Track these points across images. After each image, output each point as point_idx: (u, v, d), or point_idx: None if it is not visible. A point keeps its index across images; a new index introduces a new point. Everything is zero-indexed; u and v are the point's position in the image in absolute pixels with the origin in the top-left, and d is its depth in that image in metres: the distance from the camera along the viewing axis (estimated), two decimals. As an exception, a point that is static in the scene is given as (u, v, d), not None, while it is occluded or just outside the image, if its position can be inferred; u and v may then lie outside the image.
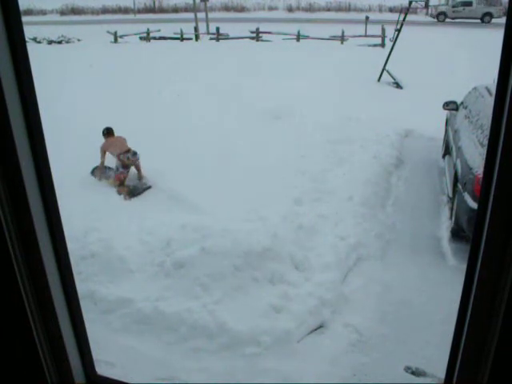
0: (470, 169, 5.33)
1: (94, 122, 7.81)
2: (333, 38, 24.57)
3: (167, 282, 4.53)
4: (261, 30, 26.32)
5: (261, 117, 10.00)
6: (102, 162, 7.11)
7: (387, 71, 14.69)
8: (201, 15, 29.78)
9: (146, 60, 17.94)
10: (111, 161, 7.07)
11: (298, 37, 25.32)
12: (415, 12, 32.14)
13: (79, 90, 11.17)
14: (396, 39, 14.77)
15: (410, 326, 4.28)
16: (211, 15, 33.12)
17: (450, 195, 6.28)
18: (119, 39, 26.85)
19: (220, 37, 26.50)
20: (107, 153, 7.09)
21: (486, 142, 5.16)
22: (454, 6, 34.00)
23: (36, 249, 1.31)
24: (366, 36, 24.51)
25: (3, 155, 1.20)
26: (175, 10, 45.79)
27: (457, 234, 5.72)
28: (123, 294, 4.40)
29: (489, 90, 6.68)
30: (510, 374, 1.18)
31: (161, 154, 7.43)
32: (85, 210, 5.73)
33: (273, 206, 5.95)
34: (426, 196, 7.14)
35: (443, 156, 7.97)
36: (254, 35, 26.24)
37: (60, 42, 26.31)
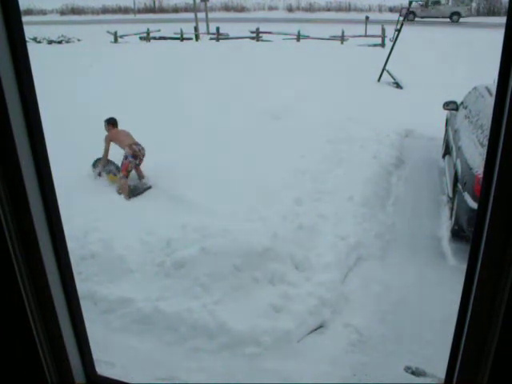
0: (470, 169, 5.33)
1: (93, 122, 7.81)
2: (333, 38, 24.58)
3: (167, 282, 4.53)
4: (261, 29, 26.34)
5: (261, 117, 10.00)
6: (106, 153, 7.04)
7: (387, 71, 14.70)
8: (201, 15, 29.80)
9: (145, 60, 17.94)
10: (112, 156, 7.06)
11: (298, 37, 25.33)
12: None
13: (79, 90, 11.18)
14: (396, 39, 14.78)
15: (410, 326, 4.28)
16: (211, 15, 33.13)
17: (450, 195, 6.28)
18: (119, 39, 26.86)
19: (220, 37, 26.51)
20: (111, 144, 7.05)
21: (486, 141, 5.16)
22: (422, 6, 34.55)
23: (36, 248, 1.31)
24: (366, 36, 24.52)
25: (3, 154, 1.20)
26: (175, 9, 45.82)
27: (457, 234, 5.72)
28: (123, 293, 4.40)
29: (489, 90, 6.68)
30: (510, 374, 1.18)
31: (160, 153, 7.43)
32: (85, 210, 5.72)
33: (273, 206, 5.95)
34: (426, 196, 7.14)
35: (443, 156, 7.97)
36: (254, 35, 26.25)
37: (60, 42, 26.32)
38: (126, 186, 6.70)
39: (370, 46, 22.43)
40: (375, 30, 23.51)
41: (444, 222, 6.30)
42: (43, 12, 44.50)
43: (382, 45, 21.94)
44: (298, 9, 43.52)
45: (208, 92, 11.95)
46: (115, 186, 6.84)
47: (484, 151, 5.14)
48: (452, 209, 6.05)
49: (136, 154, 6.85)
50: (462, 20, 32.98)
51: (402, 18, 14.91)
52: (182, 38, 26.96)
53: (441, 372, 1.66)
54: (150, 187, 6.84)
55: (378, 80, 14.94)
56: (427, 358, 3.77)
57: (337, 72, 14.70)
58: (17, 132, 1.20)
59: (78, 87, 11.54)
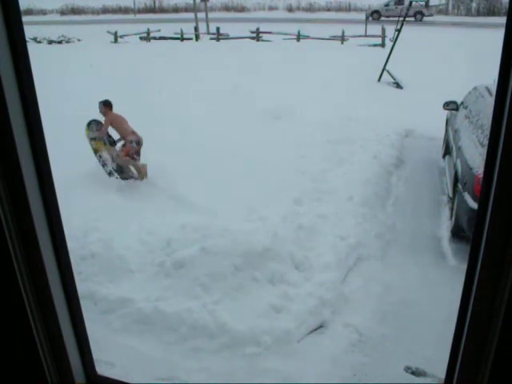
0: (470, 169, 5.33)
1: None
2: (333, 38, 24.57)
3: (167, 282, 4.52)
4: (261, 29, 26.33)
5: (261, 117, 10.01)
6: (106, 126, 7.20)
7: (387, 71, 14.70)
8: (201, 15, 29.78)
9: (146, 60, 17.94)
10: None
11: (299, 37, 25.32)
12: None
13: (79, 90, 11.17)
14: (396, 39, 14.78)
15: (410, 326, 4.28)
16: (211, 15, 33.12)
17: (450, 195, 6.28)
18: (119, 39, 26.85)
19: (220, 37, 26.51)
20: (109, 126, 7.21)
21: (486, 141, 5.16)
22: (386, 5, 35.44)
23: (36, 248, 1.31)
24: (366, 36, 24.50)
25: (3, 154, 1.20)
26: (175, 9, 45.78)
27: (457, 234, 5.72)
28: (123, 293, 4.40)
29: (489, 90, 6.68)
30: (510, 374, 1.18)
31: (160, 153, 7.43)
32: (85, 210, 5.72)
33: (273, 205, 5.95)
34: (426, 196, 7.14)
35: (443, 156, 7.97)
36: (255, 35, 26.25)
37: (60, 42, 26.33)
38: (133, 163, 6.96)
39: (370, 45, 22.42)
40: (375, 30, 23.50)
41: (444, 222, 6.29)
42: (43, 12, 44.47)
43: (382, 45, 21.93)
44: (298, 9, 43.50)
45: (208, 92, 11.95)
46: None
47: (484, 151, 5.14)
48: (452, 209, 6.04)
49: (139, 141, 7.00)
50: (461, 20, 33.03)
51: (402, 18, 14.90)
52: (182, 38, 26.96)
53: (441, 372, 1.66)
54: (134, 178, 6.95)
55: (379, 80, 14.94)
56: (427, 358, 3.76)
57: (337, 72, 14.69)
58: (17, 131, 1.20)
59: (77, 87, 11.53)
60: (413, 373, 3.65)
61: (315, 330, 4.19)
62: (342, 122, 9.74)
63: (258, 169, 7.04)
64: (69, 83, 12.06)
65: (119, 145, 7.31)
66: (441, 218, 6.40)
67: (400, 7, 33.76)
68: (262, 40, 26.10)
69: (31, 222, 1.28)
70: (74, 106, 9.74)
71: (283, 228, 5.32)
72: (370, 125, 9.56)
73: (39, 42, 25.69)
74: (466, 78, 9.97)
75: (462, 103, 7.66)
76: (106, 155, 7.13)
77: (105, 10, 45.25)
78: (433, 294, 4.67)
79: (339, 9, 42.11)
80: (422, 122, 9.75)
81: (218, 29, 26.46)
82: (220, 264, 4.50)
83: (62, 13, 45.28)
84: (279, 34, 25.86)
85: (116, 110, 7.43)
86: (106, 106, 7.25)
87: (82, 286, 4.01)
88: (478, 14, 35.94)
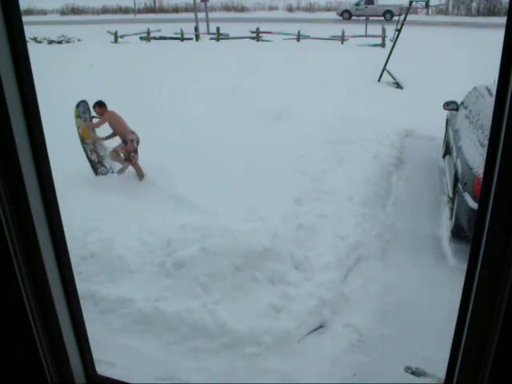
0: (471, 169, 5.33)
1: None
2: (333, 38, 24.56)
3: (167, 282, 4.52)
4: (261, 29, 26.32)
5: (261, 117, 10.00)
6: (102, 122, 7.17)
7: (387, 71, 14.70)
8: (201, 15, 29.78)
9: (146, 60, 17.94)
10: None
11: (299, 37, 25.32)
12: (415, 12, 32.25)
13: (79, 89, 11.15)
14: (396, 39, 14.78)
15: (410, 325, 4.28)
16: (211, 15, 33.12)
17: (451, 195, 6.28)
18: (119, 39, 26.85)
19: (220, 37, 26.50)
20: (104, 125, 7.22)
21: (486, 142, 5.16)
22: (356, 5, 36.10)
23: (36, 248, 1.31)
24: (366, 36, 24.50)
25: (3, 154, 1.20)
26: (175, 9, 45.77)
27: (457, 234, 5.72)
28: (123, 293, 4.40)
29: (489, 90, 6.68)
30: (510, 374, 1.18)
31: (160, 153, 7.44)
32: (85, 210, 5.72)
33: (273, 205, 5.95)
34: (426, 196, 7.14)
35: (443, 156, 7.97)
36: (255, 35, 26.25)
37: (60, 42, 26.33)
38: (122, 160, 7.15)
39: (370, 46, 22.41)
40: (375, 30, 23.50)
41: (444, 222, 6.29)
42: (43, 12, 44.46)
43: (383, 45, 21.93)
44: (298, 9, 43.48)
45: (208, 92, 11.95)
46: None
47: (484, 151, 5.14)
48: (452, 209, 6.04)
49: (138, 140, 7.05)
50: (461, 20, 33.07)
51: (402, 18, 14.89)
52: (182, 38, 26.95)
53: (441, 372, 1.66)
54: (112, 172, 7.05)
55: (379, 80, 14.94)
56: (427, 358, 3.76)
57: (337, 72, 14.68)
58: (17, 131, 1.20)
59: (77, 87, 11.52)
60: (413, 373, 3.66)
61: (315, 329, 4.19)
62: (342, 122, 9.74)
63: (258, 169, 7.04)
64: (69, 83, 12.06)
65: (117, 144, 7.29)
66: (441, 218, 6.40)
67: (370, 7, 35.00)
68: (262, 40, 26.09)
69: (31, 222, 1.28)
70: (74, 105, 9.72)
71: (283, 228, 5.32)
72: (370, 125, 9.56)
73: (39, 41, 25.69)
74: (466, 78, 9.97)
75: (462, 103, 7.66)
76: (91, 145, 7.12)
77: (105, 10, 45.24)
78: (433, 294, 4.67)
79: (339, 9, 42.09)
80: (422, 122, 9.75)
81: (218, 29, 26.46)
82: (220, 264, 4.50)
83: (62, 13, 45.27)
84: (279, 33, 25.86)
85: (116, 109, 7.43)
86: (102, 106, 7.23)
87: (82, 286, 4.01)
88: (478, 14, 35.94)
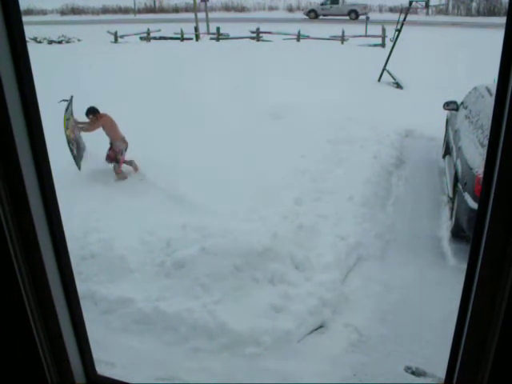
0: (471, 169, 5.33)
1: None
2: (333, 38, 24.56)
3: (167, 282, 4.53)
4: (261, 29, 26.33)
5: (261, 116, 10.00)
6: (96, 126, 7.09)
7: (387, 71, 14.69)
8: (201, 15, 29.79)
9: (145, 60, 17.94)
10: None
11: (299, 37, 25.32)
12: (415, 12, 32.24)
13: (79, 89, 11.15)
14: (396, 39, 14.77)
15: (410, 325, 4.28)
16: (211, 15, 33.12)
17: (451, 195, 6.28)
18: (119, 39, 26.85)
19: (220, 37, 26.50)
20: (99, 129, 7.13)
21: (486, 141, 5.16)
22: (322, 4, 36.61)
23: (36, 248, 1.31)
24: (366, 36, 24.49)
25: (3, 154, 1.20)
26: (175, 9, 45.75)
27: (457, 234, 5.72)
28: (123, 293, 4.40)
29: (489, 90, 6.68)
30: (510, 374, 1.18)
31: (160, 153, 7.44)
32: (85, 210, 5.73)
33: (273, 205, 5.95)
34: (426, 196, 7.14)
35: (443, 156, 7.97)
36: (255, 35, 26.25)
37: (60, 42, 26.32)
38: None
39: (370, 46, 22.41)
40: (375, 30, 23.49)
41: (444, 222, 6.29)
42: (43, 12, 44.44)
43: (383, 45, 21.92)
44: (298, 9, 43.45)
45: (208, 92, 11.94)
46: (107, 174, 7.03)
47: (484, 151, 5.14)
48: (452, 209, 6.04)
49: (126, 147, 7.05)
50: (461, 20, 33.10)
51: (402, 19, 14.89)
52: (182, 38, 26.95)
53: (441, 372, 1.66)
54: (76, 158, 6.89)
55: (379, 80, 14.93)
56: (427, 357, 3.77)
57: (337, 72, 14.69)
58: (17, 131, 1.20)
59: (77, 87, 11.52)
60: (413, 373, 3.66)
61: (315, 329, 4.19)
62: (342, 122, 9.74)
63: (258, 168, 7.04)
64: (69, 83, 12.05)
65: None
66: (441, 218, 6.40)
67: (335, 6, 35.64)
68: (262, 40, 26.09)
69: (31, 222, 1.28)
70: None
71: (283, 228, 5.33)
72: (370, 125, 9.56)
73: (39, 42, 25.68)
74: (466, 77, 9.98)
75: (462, 103, 7.66)
76: (75, 143, 7.03)
77: (105, 10, 45.22)
78: (433, 294, 4.67)
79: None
80: (422, 122, 9.75)
81: (218, 29, 26.46)
82: (220, 264, 4.50)
83: (62, 13, 45.25)
84: (279, 33, 25.86)
85: (116, 109, 7.43)
86: (95, 113, 7.14)
87: (82, 286, 4.02)
88: (478, 14, 35.94)
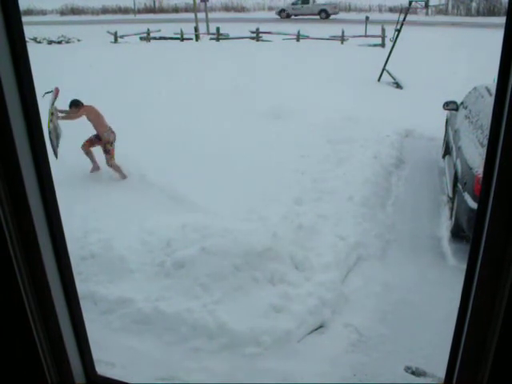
0: (470, 169, 5.33)
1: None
2: (333, 38, 24.57)
3: (167, 282, 4.53)
4: (261, 30, 26.33)
5: (261, 116, 10.01)
6: (78, 115, 7.02)
7: (387, 71, 14.70)
8: (201, 15, 29.79)
9: (146, 60, 17.94)
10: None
11: (298, 37, 25.33)
12: (415, 12, 32.24)
13: (78, 89, 11.16)
14: (396, 39, 14.78)
15: (410, 325, 4.28)
16: (211, 15, 33.13)
17: (450, 195, 6.28)
18: (119, 39, 26.86)
19: (220, 37, 26.51)
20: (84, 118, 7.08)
21: (485, 141, 5.16)
22: (293, 4, 37.33)
23: (36, 248, 1.31)
24: (366, 36, 24.50)
25: (3, 155, 1.20)
26: (175, 10, 45.76)
27: (457, 233, 5.72)
28: (123, 294, 4.40)
29: (489, 90, 6.68)
30: (510, 374, 1.18)
31: (160, 153, 7.44)
32: (85, 210, 5.72)
33: (273, 205, 5.95)
34: (426, 196, 7.14)
35: (443, 156, 7.97)
36: (254, 35, 26.26)
37: (60, 42, 26.33)
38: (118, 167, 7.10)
39: (370, 46, 22.42)
40: (375, 30, 23.49)
41: (444, 221, 6.29)
42: (43, 12, 44.44)
43: (382, 45, 21.93)
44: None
45: (208, 92, 11.95)
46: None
47: (484, 151, 5.14)
48: (452, 209, 6.04)
49: (114, 138, 7.10)
50: (461, 20, 33.11)
51: (401, 18, 14.89)
52: (182, 38, 26.96)
53: (441, 372, 1.66)
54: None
55: (378, 80, 14.94)
56: (427, 357, 3.76)
57: (337, 72, 14.70)
58: (17, 132, 1.20)
59: (77, 87, 11.52)
60: (413, 373, 3.66)
61: (315, 329, 4.19)
62: (341, 122, 9.74)
63: (258, 168, 7.05)
64: (69, 83, 12.05)
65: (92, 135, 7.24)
66: (440, 218, 6.40)
67: (305, 6, 36.33)
68: (262, 40, 26.10)
69: (31, 223, 1.28)
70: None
71: (283, 228, 5.32)
72: (370, 125, 9.56)
73: (39, 42, 25.69)
74: (466, 77, 9.98)
75: (462, 103, 7.66)
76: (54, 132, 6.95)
77: (105, 10, 45.23)
78: (432, 294, 4.67)
79: (339, 9, 42.09)
80: (422, 122, 9.75)
81: (218, 29, 26.47)
82: (220, 264, 4.50)
83: (62, 13, 45.26)
84: (279, 34, 25.88)
85: (115, 109, 7.43)
86: (78, 105, 7.06)
87: (82, 287, 4.02)
88: (478, 14, 35.95)
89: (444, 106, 7.95)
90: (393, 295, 4.71)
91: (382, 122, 9.73)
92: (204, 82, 13.02)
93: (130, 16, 42.55)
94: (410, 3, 15.65)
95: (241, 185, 6.46)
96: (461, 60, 14.93)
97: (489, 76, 4.75)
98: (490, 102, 6.14)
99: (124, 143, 7.35)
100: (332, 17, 36.31)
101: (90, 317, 2.47)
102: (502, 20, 1.11)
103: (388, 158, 8.14)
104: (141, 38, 27.47)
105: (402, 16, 15.01)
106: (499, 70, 1.04)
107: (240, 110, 10.32)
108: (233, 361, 3.78)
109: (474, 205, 5.00)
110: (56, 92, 6.88)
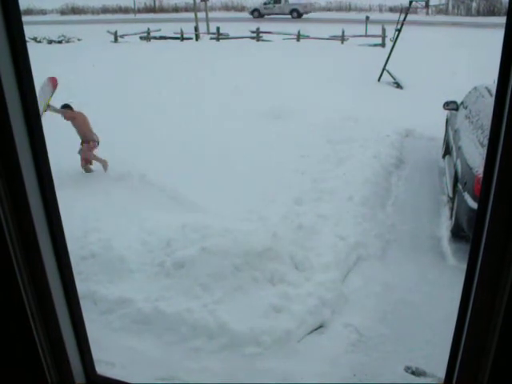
0: (470, 169, 5.33)
1: (94, 121, 7.80)
2: (333, 37, 24.56)
3: (167, 282, 4.52)
4: (261, 29, 26.32)
5: (261, 116, 10.01)
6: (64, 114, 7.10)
7: (387, 71, 14.69)
8: (201, 15, 29.79)
9: (145, 60, 17.94)
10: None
11: (299, 37, 25.33)
12: (415, 12, 32.24)
13: (78, 89, 11.16)
14: (396, 39, 14.77)
15: (409, 325, 4.28)
16: (211, 15, 33.13)
17: (450, 195, 6.28)
18: (119, 39, 26.86)
19: (220, 36, 26.51)
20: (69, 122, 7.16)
21: (486, 141, 5.16)
22: (265, 4, 37.66)
23: (36, 248, 1.31)
24: (366, 36, 24.49)
25: (3, 154, 1.20)
26: (175, 9, 45.77)
27: (457, 233, 5.72)
28: (123, 293, 4.40)
29: (489, 90, 6.68)
30: (510, 373, 1.18)
31: (160, 153, 7.44)
32: (85, 210, 5.72)
33: (273, 205, 5.95)
34: (426, 196, 7.14)
35: (443, 156, 7.97)
36: (255, 35, 26.26)
37: (60, 42, 26.35)
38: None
39: (370, 45, 22.41)
40: (375, 29, 23.49)
41: (444, 221, 6.29)
42: (43, 12, 44.45)
43: (383, 45, 21.92)
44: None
45: (208, 92, 11.95)
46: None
47: (484, 151, 5.14)
48: (452, 209, 6.04)
49: (98, 142, 7.21)
50: (461, 20, 33.10)
51: (402, 18, 14.89)
52: (182, 38, 26.96)
53: (441, 372, 1.66)
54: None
55: (379, 80, 14.94)
56: (427, 357, 3.76)
57: (337, 72, 14.70)
58: (17, 131, 1.20)
59: (77, 87, 11.53)
60: (413, 373, 3.66)
61: (315, 329, 4.19)
62: (341, 122, 9.74)
63: (258, 169, 7.05)
64: (68, 83, 12.05)
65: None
66: (441, 218, 6.40)
67: (277, 5, 36.72)
68: (262, 40, 26.10)
69: (31, 223, 1.28)
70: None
71: (283, 228, 5.32)
72: (370, 125, 9.56)
73: (39, 41, 25.70)
74: (466, 78, 9.98)
75: (462, 103, 7.66)
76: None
77: (105, 10, 45.24)
78: (433, 294, 4.67)
79: (339, 9, 42.09)
80: (422, 122, 9.75)
81: (218, 28, 26.46)
82: (220, 264, 4.50)
83: (62, 12, 45.27)
84: (279, 33, 25.87)
85: (114, 109, 7.43)
86: (70, 108, 7.22)
87: (82, 286, 4.01)
88: (478, 13, 35.94)
89: (444, 105, 7.95)
90: (393, 295, 4.71)
91: (382, 121, 9.73)
92: (204, 82, 13.02)
93: (130, 15, 42.56)
94: (411, 3, 15.64)
95: (241, 185, 6.46)
96: (461, 60, 14.91)
97: (489, 76, 4.75)
98: (490, 101, 6.14)
99: (124, 143, 7.36)
100: (332, 16, 36.38)
101: (90, 317, 2.47)
102: (502, 20, 1.11)
103: (388, 158, 8.14)
104: (141, 38, 27.47)
105: (402, 16, 15.01)
106: (499, 70, 1.04)
107: (240, 110, 10.32)
108: (233, 361, 3.78)
109: (474, 205, 4.99)
110: (54, 83, 6.93)
